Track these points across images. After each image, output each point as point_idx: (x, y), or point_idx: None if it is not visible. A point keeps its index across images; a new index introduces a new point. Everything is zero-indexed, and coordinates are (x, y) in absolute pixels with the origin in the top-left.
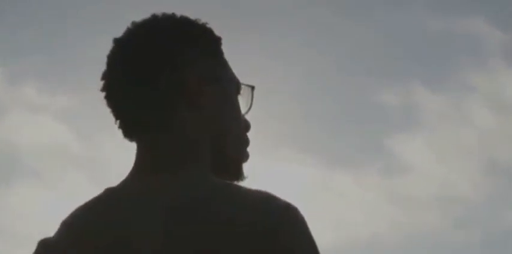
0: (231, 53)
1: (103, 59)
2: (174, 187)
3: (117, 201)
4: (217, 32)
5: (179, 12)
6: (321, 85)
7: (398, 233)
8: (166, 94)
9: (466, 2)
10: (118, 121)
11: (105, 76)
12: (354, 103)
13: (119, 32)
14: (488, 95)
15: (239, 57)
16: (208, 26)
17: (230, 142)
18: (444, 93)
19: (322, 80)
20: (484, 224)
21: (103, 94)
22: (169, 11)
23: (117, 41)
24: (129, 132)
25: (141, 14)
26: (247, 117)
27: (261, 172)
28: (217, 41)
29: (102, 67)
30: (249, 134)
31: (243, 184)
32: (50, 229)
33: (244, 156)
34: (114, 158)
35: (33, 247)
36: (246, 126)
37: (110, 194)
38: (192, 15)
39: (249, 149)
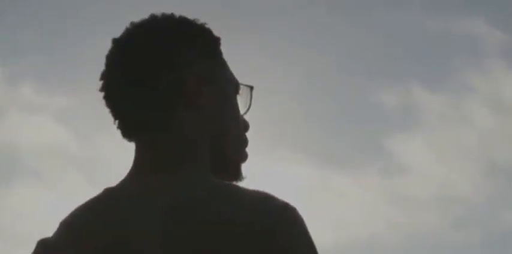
0: (230, 52)
1: (102, 59)
2: (173, 187)
3: (116, 201)
4: (216, 32)
5: (179, 12)
6: (320, 85)
7: (397, 233)
8: (165, 95)
9: (465, 3)
10: (117, 122)
11: (104, 76)
12: (353, 103)
13: (119, 32)
14: (487, 95)
15: (239, 57)
16: (207, 26)
17: (229, 142)
18: (443, 93)
19: (321, 80)
20: (483, 225)
21: (102, 94)
22: (169, 11)
23: (115, 41)
24: (127, 132)
25: (141, 14)
26: (246, 117)
27: (260, 172)
28: (216, 41)
29: (102, 67)
30: (248, 134)
31: (242, 184)
32: (49, 229)
33: (243, 156)
34: (113, 158)
35: (33, 247)
36: (245, 126)
37: (109, 195)
38: (192, 15)
39: (247, 149)
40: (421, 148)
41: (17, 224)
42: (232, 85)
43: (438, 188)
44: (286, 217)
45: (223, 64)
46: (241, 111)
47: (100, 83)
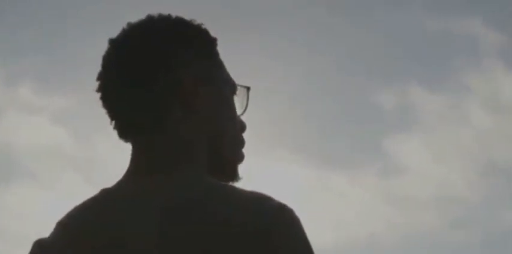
0: (230, 53)
1: (100, 59)
2: (169, 188)
3: (113, 202)
4: (216, 32)
5: (178, 12)
6: (319, 85)
7: (395, 233)
8: (161, 96)
9: (465, 3)
10: (113, 122)
11: (101, 77)
12: (352, 103)
13: (117, 33)
14: (486, 95)
15: (238, 57)
16: (203, 26)
17: (226, 143)
18: (442, 93)
19: (320, 80)
20: (482, 225)
21: (99, 95)
22: (168, 11)
23: (112, 42)
24: (124, 133)
25: (140, 15)
26: (244, 117)
27: (258, 173)
28: (212, 41)
29: (99, 68)
30: (246, 135)
31: (239, 185)
32: (47, 230)
33: (240, 157)
34: (110, 159)
35: (29, 247)
36: (242, 127)
37: (105, 195)
38: (191, 16)
39: (245, 150)
40: (420, 148)
41: (15, 224)
42: (228, 86)
43: (437, 188)
44: (283, 218)
45: (220, 65)
46: (238, 111)
47: (97, 84)
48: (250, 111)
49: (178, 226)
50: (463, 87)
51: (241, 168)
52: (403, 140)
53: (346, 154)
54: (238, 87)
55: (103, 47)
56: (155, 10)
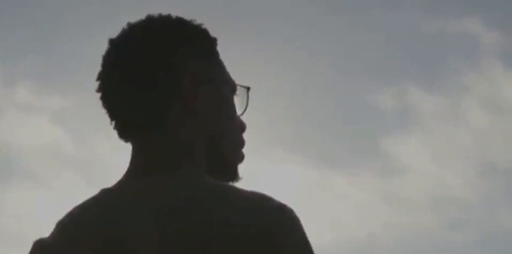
0: (229, 53)
1: (99, 59)
2: (168, 187)
3: (113, 202)
4: (214, 33)
5: (177, 13)
6: (318, 86)
7: (393, 234)
8: (161, 95)
9: (461, 3)
10: (113, 122)
11: (100, 77)
12: (350, 103)
13: (116, 33)
14: (483, 96)
15: (236, 57)
16: (203, 26)
17: (225, 143)
18: (440, 93)
19: (317, 81)
20: (480, 225)
21: (99, 95)
22: (167, 11)
23: (112, 42)
24: (123, 133)
25: (139, 15)
26: (243, 117)
27: (257, 173)
28: (212, 41)
29: (98, 68)
30: (245, 135)
31: (239, 185)
32: (46, 230)
33: (240, 157)
34: (110, 159)
35: (29, 247)
36: (242, 127)
37: (105, 195)
38: (189, 16)
39: (244, 150)
40: (418, 148)
41: (13, 224)
42: (228, 86)
43: (435, 188)
44: (283, 219)
45: (219, 65)
46: (238, 111)
47: (97, 84)
48: (250, 111)
49: (178, 226)
50: (461, 87)
51: (241, 168)
52: (402, 140)
53: (344, 155)
54: (238, 87)
55: (102, 47)
56: (153, 11)
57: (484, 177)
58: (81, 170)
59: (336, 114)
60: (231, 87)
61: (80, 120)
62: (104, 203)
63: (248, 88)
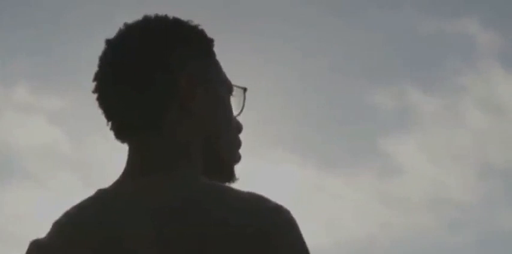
0: (225, 53)
1: (97, 60)
2: (165, 188)
3: (109, 202)
4: (211, 33)
5: (174, 13)
6: (315, 86)
7: (392, 234)
8: (158, 96)
9: (459, 3)
10: (110, 123)
11: (97, 77)
12: (347, 104)
13: (113, 34)
14: (481, 96)
15: (233, 57)
16: (200, 27)
17: (222, 143)
18: (437, 94)
19: (315, 81)
20: (478, 226)
21: (95, 95)
22: (163, 12)
23: (108, 42)
24: (120, 133)
25: (136, 16)
26: (240, 118)
27: (253, 174)
28: (209, 42)
29: (96, 68)
30: (242, 135)
31: (235, 185)
32: (43, 230)
33: (236, 158)
34: (107, 159)
35: (26, 247)
36: (238, 128)
37: (102, 196)
38: (186, 17)
39: (241, 150)
40: (415, 149)
41: (11, 224)
42: (225, 87)
43: (432, 189)
44: (279, 220)
45: (216, 66)
46: (235, 112)
47: (93, 84)
48: (247, 111)
49: (175, 226)
50: (459, 87)
51: (238, 169)
52: (399, 141)
53: (343, 155)
54: (235, 88)
55: (100, 47)
56: (152, 11)
57: (482, 178)
58: (78, 170)
59: (334, 114)
60: (228, 87)
61: (78, 121)
62: (100, 203)
63: (245, 89)
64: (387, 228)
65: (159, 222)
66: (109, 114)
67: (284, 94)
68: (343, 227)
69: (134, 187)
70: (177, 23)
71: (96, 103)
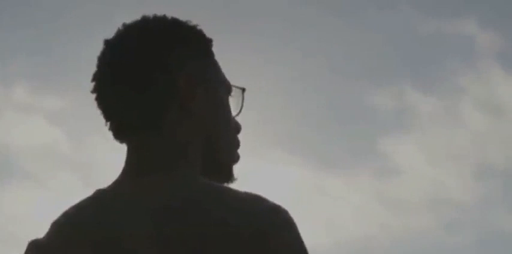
0: (224, 53)
1: (96, 60)
2: (164, 188)
3: (108, 202)
4: (210, 33)
5: (172, 13)
6: (314, 86)
7: (390, 235)
8: (157, 96)
9: (458, 4)
10: (108, 123)
11: (96, 78)
12: (346, 105)
13: (112, 34)
14: (480, 97)
15: (231, 58)
16: (199, 27)
17: (221, 144)
18: (437, 95)
19: (314, 81)
20: (476, 227)
21: (94, 95)
22: (162, 12)
23: (107, 43)
24: (119, 133)
25: (135, 16)
26: (239, 118)
27: (253, 174)
28: (207, 42)
29: (95, 68)
30: (241, 135)
31: (234, 185)
32: (42, 230)
33: (235, 158)
34: (106, 159)
35: (24, 247)
36: (237, 128)
37: (100, 196)
38: (184, 17)
39: (240, 151)
40: (414, 150)
41: (11, 224)
42: (224, 87)
43: (432, 189)
44: (278, 220)
45: (215, 66)
46: (233, 112)
47: (92, 84)
48: (246, 111)
49: (174, 226)
50: (458, 88)
51: (237, 169)
52: (398, 142)
53: (342, 156)
54: (234, 88)
55: (98, 47)
56: (150, 11)
57: (481, 178)
58: (78, 170)
59: (333, 114)
60: (226, 87)
61: (77, 121)
62: (99, 203)
63: (243, 90)
64: (386, 228)
65: (159, 222)
66: (108, 114)
67: (284, 94)
68: (343, 227)
69: (133, 187)
70: (175, 23)
71: (95, 104)
